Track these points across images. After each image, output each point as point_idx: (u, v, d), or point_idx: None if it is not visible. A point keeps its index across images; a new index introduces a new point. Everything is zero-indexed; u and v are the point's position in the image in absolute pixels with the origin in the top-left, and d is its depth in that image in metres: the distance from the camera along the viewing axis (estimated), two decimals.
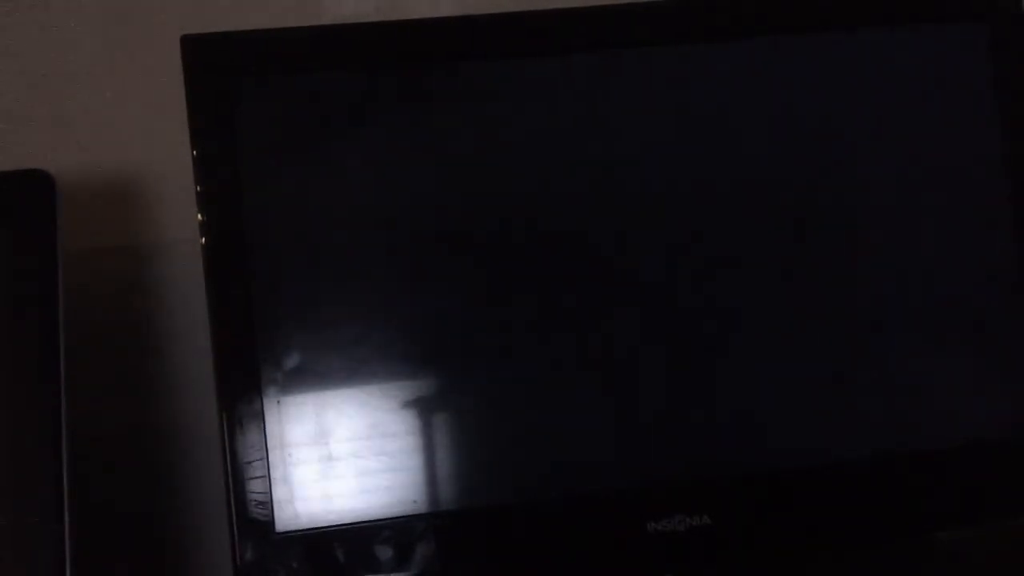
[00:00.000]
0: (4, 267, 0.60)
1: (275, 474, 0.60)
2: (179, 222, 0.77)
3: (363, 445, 0.61)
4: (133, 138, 0.78)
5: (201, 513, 0.75)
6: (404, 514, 0.61)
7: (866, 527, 0.64)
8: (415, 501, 0.61)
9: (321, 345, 0.61)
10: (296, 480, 0.60)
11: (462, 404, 0.62)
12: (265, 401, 0.60)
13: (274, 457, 0.60)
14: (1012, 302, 0.67)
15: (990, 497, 0.66)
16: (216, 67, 0.62)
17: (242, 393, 0.60)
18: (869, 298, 0.66)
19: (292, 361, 0.61)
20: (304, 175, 0.62)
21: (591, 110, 0.65)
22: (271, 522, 0.59)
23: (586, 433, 0.63)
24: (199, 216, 0.61)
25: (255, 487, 0.59)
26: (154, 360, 0.77)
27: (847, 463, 0.65)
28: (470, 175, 0.64)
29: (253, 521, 0.59)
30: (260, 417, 0.60)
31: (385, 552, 0.60)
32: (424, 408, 0.62)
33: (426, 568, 0.60)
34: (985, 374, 0.66)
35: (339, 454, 0.61)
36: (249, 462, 0.59)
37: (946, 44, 0.67)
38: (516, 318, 0.63)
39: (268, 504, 0.59)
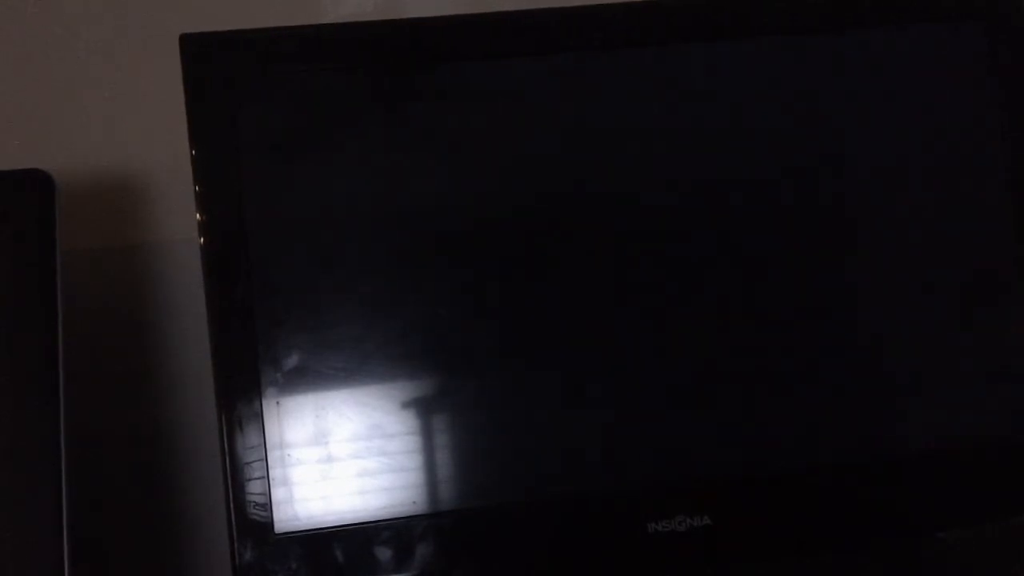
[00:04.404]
0: (4, 267, 0.60)
1: (274, 475, 0.60)
2: (179, 222, 0.77)
3: (362, 446, 0.61)
4: (133, 138, 0.78)
5: (201, 513, 0.76)
6: (404, 515, 0.61)
7: (866, 527, 0.64)
8: (415, 501, 0.61)
9: (321, 345, 0.61)
10: (295, 481, 0.60)
11: (462, 404, 0.62)
12: (264, 401, 0.60)
13: (273, 458, 0.60)
14: (1012, 301, 0.67)
15: (990, 497, 0.66)
16: (216, 67, 0.62)
17: (242, 393, 0.60)
18: (869, 298, 0.66)
19: (292, 361, 0.61)
20: (303, 175, 0.62)
21: (592, 109, 0.65)
22: (270, 523, 0.59)
23: (586, 433, 0.63)
24: (199, 216, 0.61)
25: (254, 488, 0.59)
26: (154, 360, 0.77)
27: (847, 463, 0.64)
28: (470, 175, 0.64)
29: (252, 522, 0.59)
30: (259, 418, 0.60)
31: (384, 553, 0.60)
32: (424, 408, 0.62)
33: (426, 569, 0.60)
34: (985, 374, 0.66)
35: (338, 455, 0.61)
36: (248, 463, 0.59)
37: (946, 44, 0.67)
38: (516, 318, 0.63)
39: (267, 505, 0.59)
